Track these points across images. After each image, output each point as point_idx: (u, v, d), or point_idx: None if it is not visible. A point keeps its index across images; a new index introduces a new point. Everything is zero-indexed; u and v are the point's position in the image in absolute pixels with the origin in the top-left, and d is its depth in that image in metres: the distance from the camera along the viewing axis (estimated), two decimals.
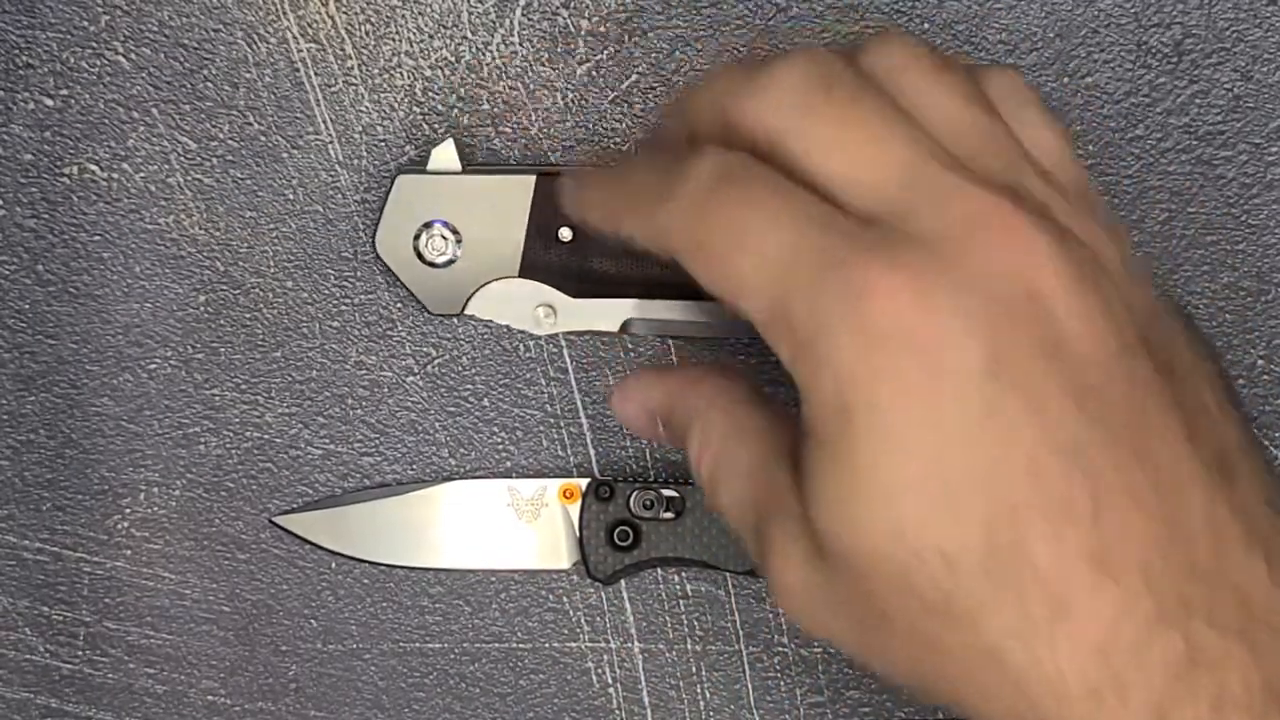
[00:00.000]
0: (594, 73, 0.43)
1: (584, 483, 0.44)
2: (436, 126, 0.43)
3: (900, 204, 0.31)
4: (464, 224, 0.42)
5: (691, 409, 0.36)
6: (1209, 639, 0.29)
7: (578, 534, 0.44)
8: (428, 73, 0.43)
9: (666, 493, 0.44)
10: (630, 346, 0.45)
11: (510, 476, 0.45)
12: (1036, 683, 0.30)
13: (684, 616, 0.46)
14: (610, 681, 0.46)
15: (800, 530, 0.32)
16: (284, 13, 0.43)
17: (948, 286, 0.30)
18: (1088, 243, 0.31)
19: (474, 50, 0.43)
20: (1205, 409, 0.31)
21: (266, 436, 0.45)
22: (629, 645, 0.46)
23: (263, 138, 0.44)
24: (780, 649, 0.46)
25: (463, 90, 0.43)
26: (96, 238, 0.44)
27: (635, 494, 0.44)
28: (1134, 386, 0.30)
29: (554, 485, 0.44)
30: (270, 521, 0.45)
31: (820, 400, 0.30)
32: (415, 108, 0.43)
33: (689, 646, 0.46)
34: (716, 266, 0.32)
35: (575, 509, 0.44)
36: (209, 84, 0.43)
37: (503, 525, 0.44)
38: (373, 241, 0.42)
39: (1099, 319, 0.30)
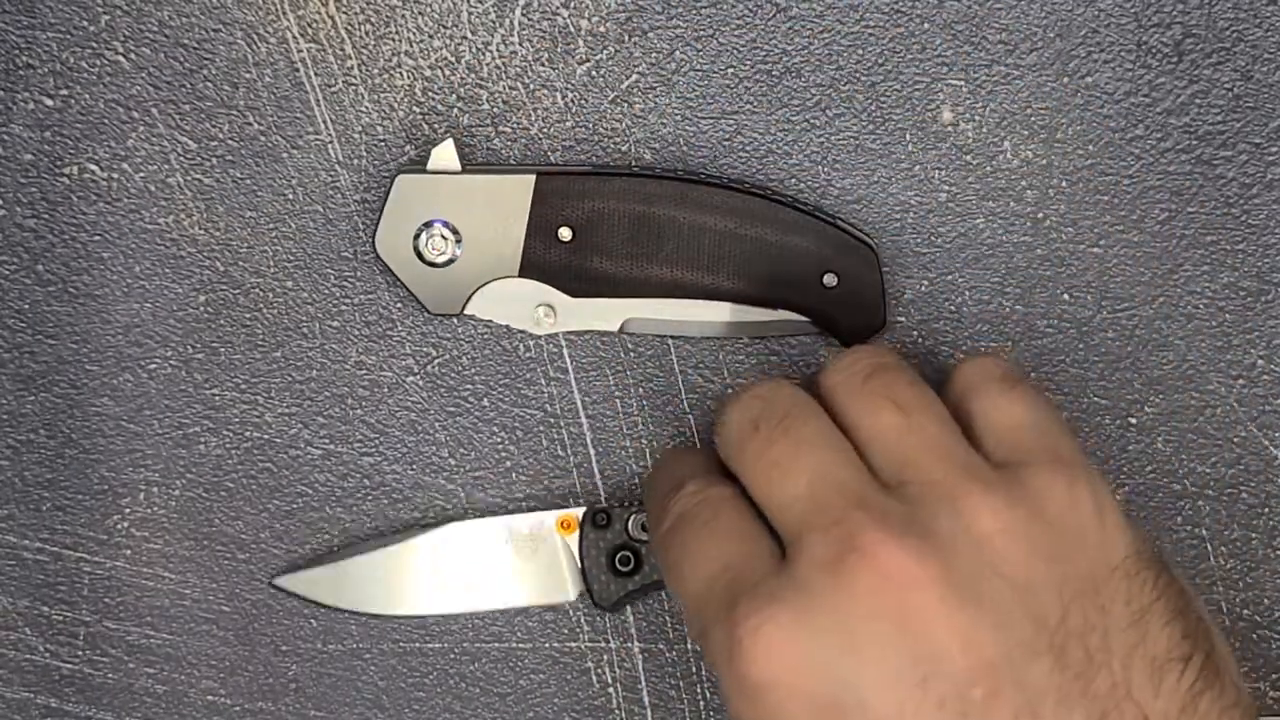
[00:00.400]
0: (594, 73, 0.43)
1: (580, 512, 0.44)
2: (436, 126, 0.43)
3: (800, 530, 0.34)
4: (464, 224, 0.42)
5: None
6: None
7: (579, 564, 0.44)
8: (427, 73, 0.43)
9: None
10: (630, 347, 0.45)
11: (510, 476, 0.45)
12: None
13: (684, 616, 0.46)
14: (610, 681, 0.46)
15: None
16: (284, 12, 0.43)
17: (817, 631, 0.32)
18: (985, 532, 0.32)
19: (474, 50, 0.43)
20: (1126, 691, 0.31)
21: (266, 436, 0.45)
22: (629, 645, 0.46)
23: (262, 138, 0.44)
24: None
25: (463, 90, 0.43)
26: (96, 238, 0.44)
27: (633, 518, 0.44)
28: (1024, 695, 0.31)
29: (550, 518, 0.44)
30: (271, 585, 0.45)
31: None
32: (415, 108, 0.43)
33: (689, 646, 0.46)
34: (673, 585, 0.37)
35: (574, 539, 0.44)
36: (209, 84, 0.43)
37: (504, 563, 0.44)
38: (372, 241, 0.42)
39: (977, 632, 0.31)
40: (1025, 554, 0.32)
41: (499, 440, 0.45)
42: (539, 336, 0.44)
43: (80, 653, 0.46)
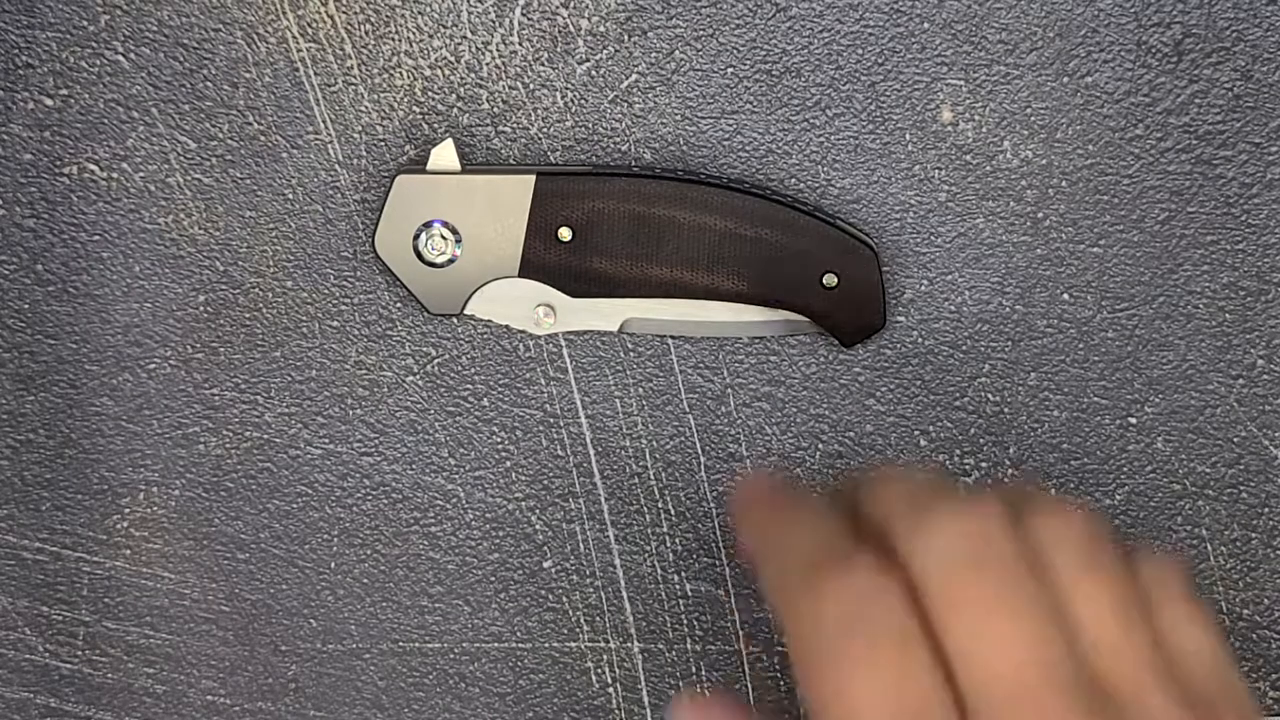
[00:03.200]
0: (594, 72, 0.43)
1: None
2: (436, 126, 0.43)
3: (996, 702, 0.31)
4: (464, 224, 0.42)
5: None
6: None
7: None
8: (427, 72, 0.43)
9: None
10: (630, 346, 0.45)
11: (510, 476, 0.45)
12: None
13: (684, 616, 0.46)
14: (610, 681, 0.46)
15: None
16: (283, 12, 0.43)
17: None
18: None
19: (474, 50, 0.43)
20: None
21: (266, 436, 0.45)
22: (628, 645, 0.46)
23: (262, 137, 0.44)
24: (780, 649, 0.45)
25: (462, 90, 0.43)
26: (96, 237, 0.44)
27: None
28: None
29: None
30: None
31: None
32: (415, 107, 0.43)
33: (689, 646, 0.46)
34: (816, 693, 0.32)
35: None
36: (208, 84, 0.43)
37: None
38: (372, 241, 0.42)
39: None
40: None
41: (499, 440, 0.45)
42: (539, 336, 0.44)
43: (80, 652, 0.46)
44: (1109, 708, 0.31)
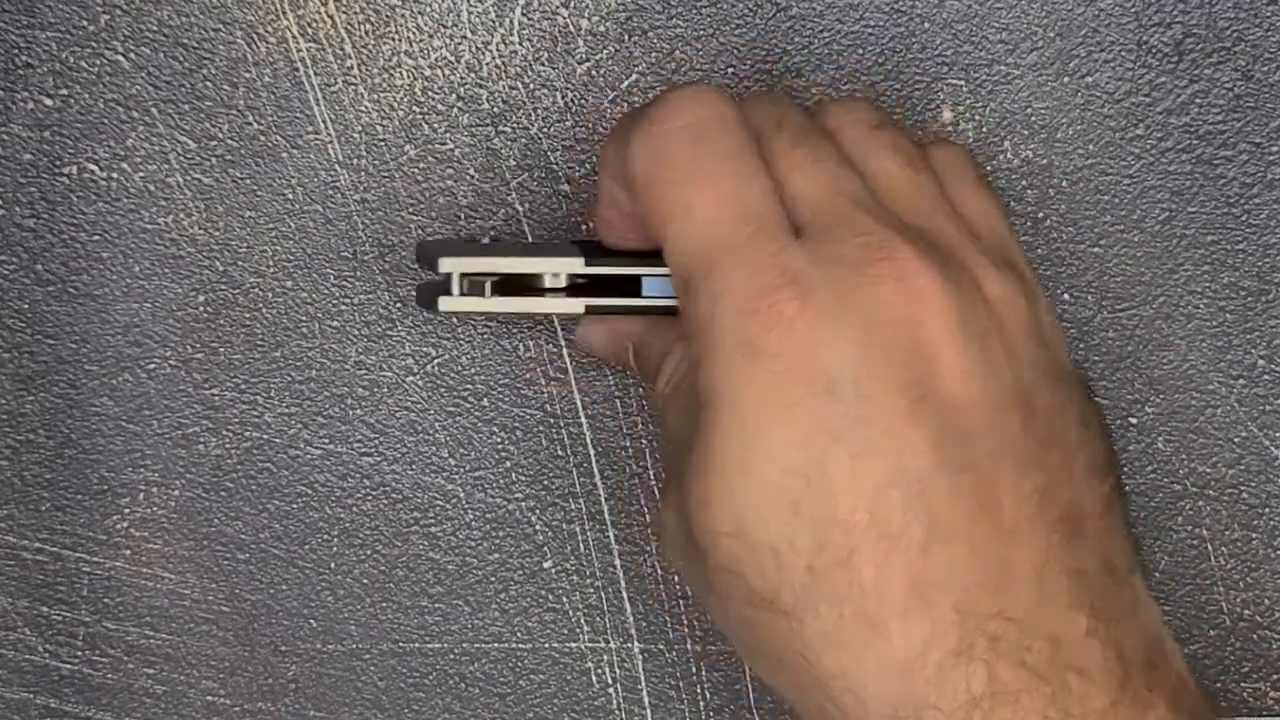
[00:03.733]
0: (594, 72, 0.43)
1: None
2: (436, 126, 0.43)
3: (825, 224, 0.34)
4: None
5: (666, 343, 0.38)
6: (1012, 675, 0.31)
7: None
8: (427, 72, 0.43)
9: None
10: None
11: (510, 476, 0.45)
12: (840, 692, 0.32)
13: (684, 616, 0.46)
14: (610, 682, 0.46)
15: (676, 483, 0.34)
16: (283, 12, 0.43)
17: (835, 318, 0.32)
18: (991, 298, 0.34)
19: (474, 50, 0.43)
20: (1069, 474, 0.34)
21: (266, 436, 0.45)
22: (628, 645, 0.46)
23: (262, 137, 0.44)
24: None
25: (462, 90, 0.43)
26: (96, 237, 0.44)
27: None
28: (995, 442, 0.33)
29: None
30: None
31: (702, 377, 0.33)
32: (415, 107, 0.43)
33: (689, 646, 0.46)
34: (662, 210, 0.35)
35: None
36: (208, 83, 0.43)
37: None
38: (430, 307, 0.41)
39: (976, 373, 0.33)
40: (1019, 326, 0.34)
41: (499, 440, 0.45)
42: (539, 336, 0.44)
43: (79, 653, 0.46)
44: (923, 238, 0.34)
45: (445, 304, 0.39)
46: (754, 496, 0.32)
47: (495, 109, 0.43)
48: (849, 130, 0.37)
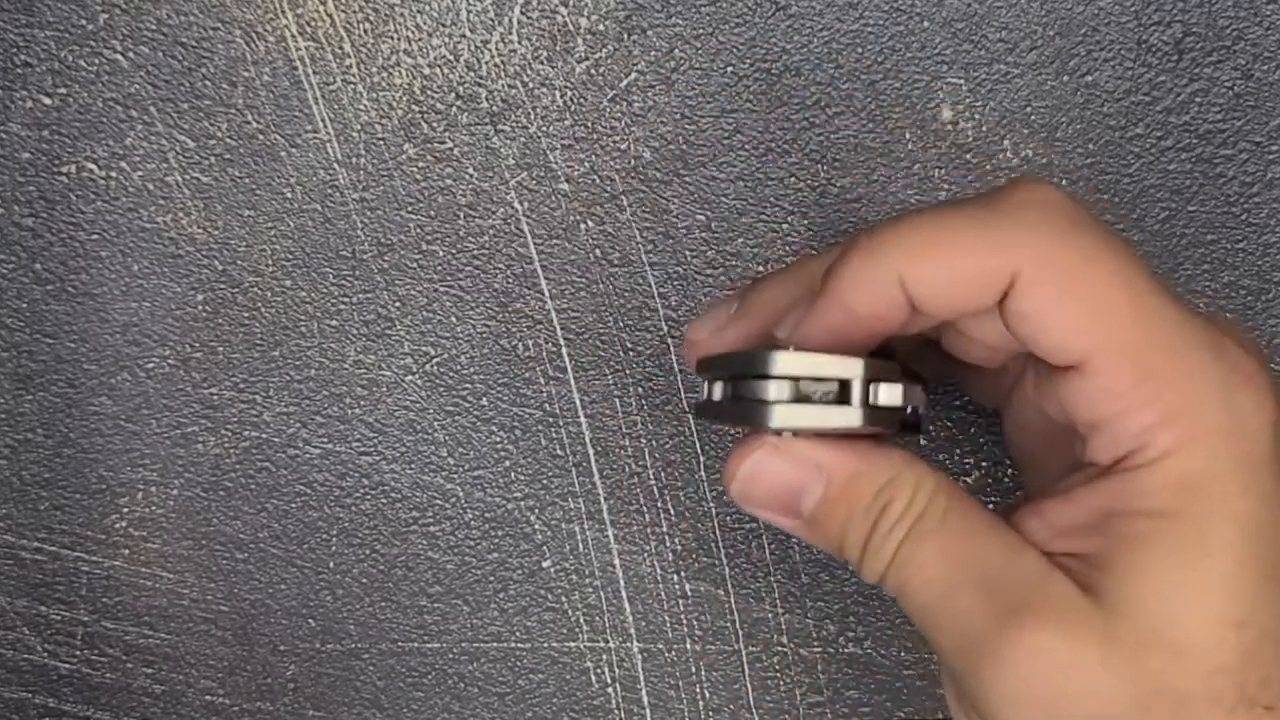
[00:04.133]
0: (593, 71, 0.43)
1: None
2: (435, 124, 0.43)
3: None
4: None
5: (866, 495, 0.32)
6: None
7: None
8: (426, 71, 0.43)
9: None
10: (630, 346, 0.44)
11: (509, 476, 0.45)
12: None
13: (683, 616, 0.45)
14: (609, 681, 0.46)
15: (1079, 619, 0.31)
16: (282, 11, 0.43)
17: None
18: None
19: (472, 48, 0.43)
20: None
21: (265, 436, 0.45)
22: (628, 645, 0.46)
23: (261, 136, 0.44)
24: (780, 649, 0.45)
25: (461, 89, 0.43)
26: (94, 236, 0.44)
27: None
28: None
29: None
30: None
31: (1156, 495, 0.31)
32: (414, 106, 0.43)
33: (688, 646, 0.46)
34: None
35: None
36: (207, 82, 0.43)
37: None
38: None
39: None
40: None
41: (498, 440, 0.45)
42: (539, 336, 0.44)
43: (78, 652, 0.46)
44: None
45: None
46: (1246, 583, 0.31)
47: (494, 108, 0.43)
48: None
